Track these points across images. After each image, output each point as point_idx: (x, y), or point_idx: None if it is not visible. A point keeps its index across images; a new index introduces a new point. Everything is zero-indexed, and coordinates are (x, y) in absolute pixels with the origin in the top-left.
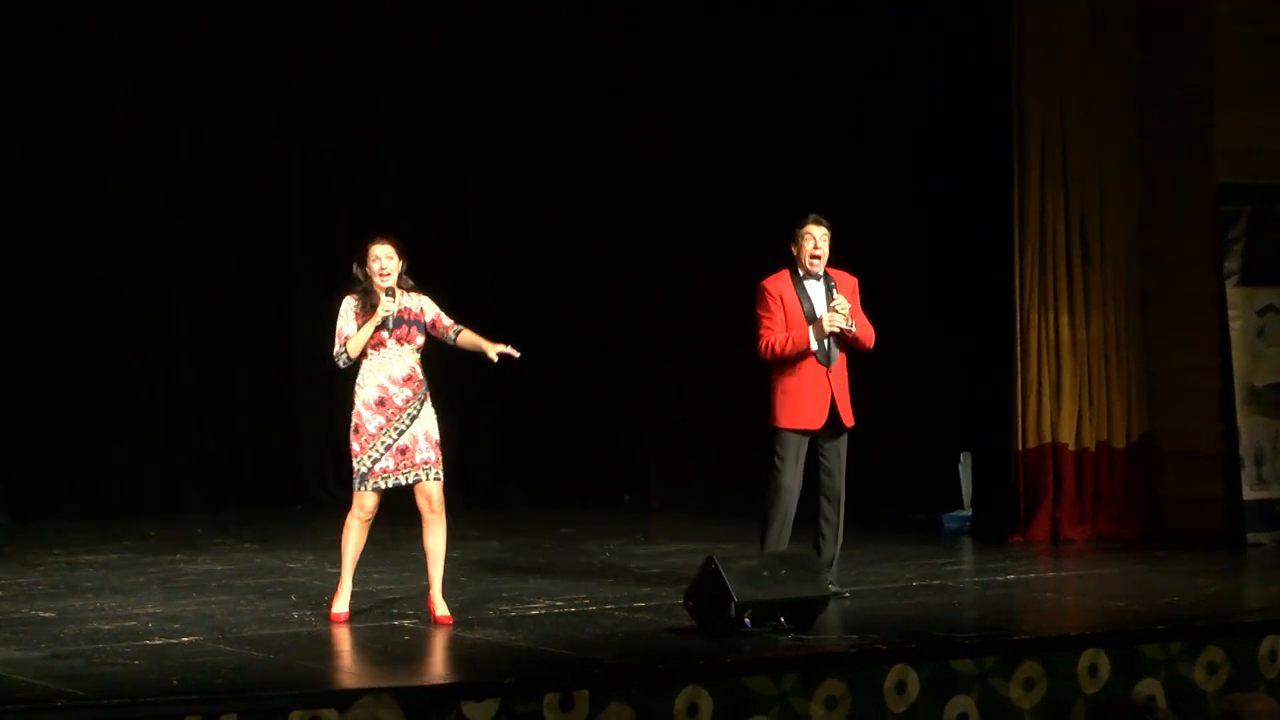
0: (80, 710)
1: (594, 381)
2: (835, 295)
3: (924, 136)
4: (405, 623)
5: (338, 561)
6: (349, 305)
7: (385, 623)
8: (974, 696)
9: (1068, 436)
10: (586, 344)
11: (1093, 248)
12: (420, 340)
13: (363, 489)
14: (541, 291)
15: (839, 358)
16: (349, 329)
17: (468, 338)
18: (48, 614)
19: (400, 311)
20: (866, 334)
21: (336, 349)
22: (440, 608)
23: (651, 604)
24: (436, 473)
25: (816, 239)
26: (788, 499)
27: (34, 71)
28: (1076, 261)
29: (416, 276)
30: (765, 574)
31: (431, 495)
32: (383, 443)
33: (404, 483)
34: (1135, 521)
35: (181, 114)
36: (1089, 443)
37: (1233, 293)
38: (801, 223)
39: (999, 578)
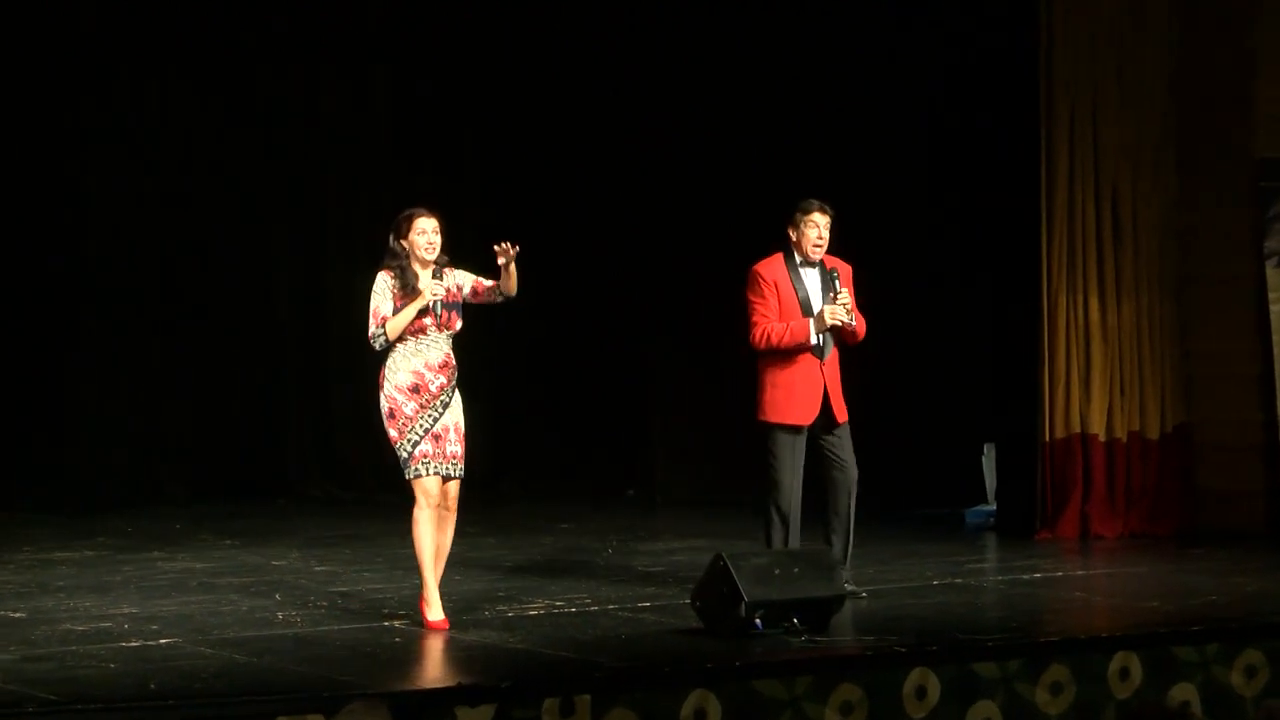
0: (52, 715)
1: (596, 375)
2: (837, 287)
3: (944, 109)
4: (396, 624)
5: (327, 559)
6: (384, 283)
7: (375, 624)
8: (998, 702)
9: (1098, 427)
10: (588, 337)
11: (1124, 226)
12: (459, 325)
13: (421, 475)
14: (543, 287)
15: (832, 350)
16: (385, 309)
17: (503, 281)
18: (18, 614)
19: (445, 295)
20: (861, 327)
21: (374, 329)
22: (436, 610)
23: (656, 604)
24: (461, 469)
25: (821, 228)
26: (788, 498)
27: (7, 55)
28: (1108, 241)
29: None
30: (777, 572)
31: (450, 492)
32: (421, 425)
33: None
34: (1169, 517)
35: (159, 106)
36: (1120, 433)
37: (1273, 274)
38: (805, 208)
39: (1024, 576)
